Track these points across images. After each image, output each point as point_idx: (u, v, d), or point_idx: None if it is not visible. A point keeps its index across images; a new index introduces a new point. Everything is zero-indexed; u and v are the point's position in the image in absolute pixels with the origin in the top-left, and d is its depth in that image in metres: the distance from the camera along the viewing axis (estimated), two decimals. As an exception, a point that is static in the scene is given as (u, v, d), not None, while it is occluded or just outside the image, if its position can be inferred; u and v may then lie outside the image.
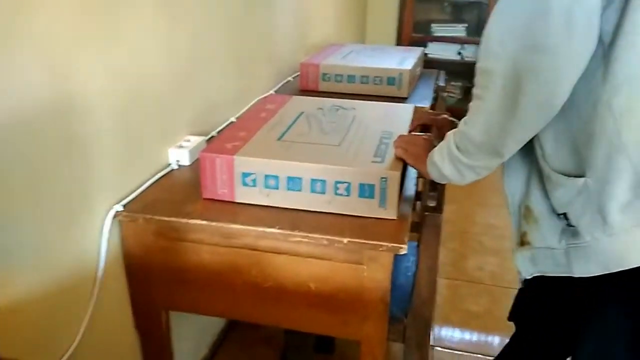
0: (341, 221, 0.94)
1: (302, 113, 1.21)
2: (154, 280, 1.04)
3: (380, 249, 0.88)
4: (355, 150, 1.01)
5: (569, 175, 0.80)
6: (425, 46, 3.41)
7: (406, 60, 1.86)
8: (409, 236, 0.92)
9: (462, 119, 0.86)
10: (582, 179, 0.78)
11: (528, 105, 0.74)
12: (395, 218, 0.94)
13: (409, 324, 1.07)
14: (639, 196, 0.74)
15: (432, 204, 0.98)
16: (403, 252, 0.87)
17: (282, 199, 0.97)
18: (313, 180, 0.95)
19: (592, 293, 0.86)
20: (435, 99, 1.97)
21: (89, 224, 0.94)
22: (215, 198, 1.01)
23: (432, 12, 3.73)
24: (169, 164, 1.18)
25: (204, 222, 0.95)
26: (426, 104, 1.81)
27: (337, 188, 0.94)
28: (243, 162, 0.97)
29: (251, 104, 1.64)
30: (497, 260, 2.15)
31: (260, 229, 0.93)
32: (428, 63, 2.36)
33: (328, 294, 0.95)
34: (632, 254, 0.77)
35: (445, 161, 0.90)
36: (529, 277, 0.93)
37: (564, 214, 0.82)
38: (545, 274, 0.90)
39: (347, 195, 0.94)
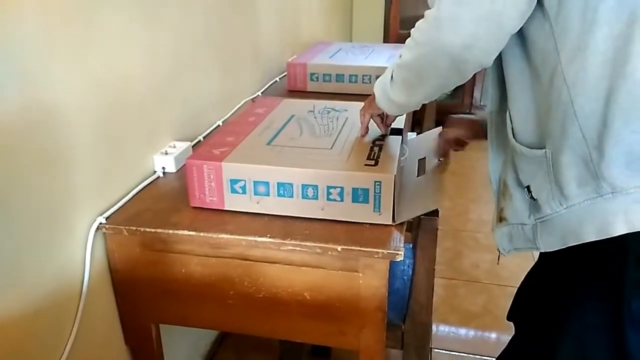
0: (335, 228, 0.91)
1: (292, 116, 1.17)
2: (142, 294, 1.00)
3: (376, 255, 0.85)
4: (348, 154, 0.97)
5: (532, 148, 0.81)
6: (412, 42, 3.38)
7: (395, 57, 1.83)
8: (404, 239, 0.89)
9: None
10: (542, 150, 0.79)
11: None
12: (391, 223, 0.90)
13: (408, 330, 1.04)
14: (590, 169, 0.75)
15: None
16: (399, 258, 0.83)
17: (273, 205, 0.94)
18: (304, 186, 0.91)
19: (571, 288, 0.87)
20: (425, 96, 1.94)
21: (71, 238, 0.90)
22: (204, 206, 0.97)
23: (419, 8, 3.69)
24: (154, 172, 1.14)
25: (192, 233, 0.91)
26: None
27: (329, 193, 0.91)
28: (231, 169, 0.93)
29: (238, 106, 1.60)
30: (493, 258, 2.13)
31: (251, 238, 0.89)
32: (417, 59, 2.32)
33: (323, 303, 0.92)
34: (586, 228, 0.77)
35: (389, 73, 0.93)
36: (507, 254, 0.95)
37: (528, 187, 0.84)
38: (519, 251, 0.92)
39: (340, 201, 0.91)
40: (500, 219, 0.94)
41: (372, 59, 1.81)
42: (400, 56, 0.88)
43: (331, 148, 1.00)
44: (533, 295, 1.05)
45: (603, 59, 0.71)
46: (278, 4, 1.99)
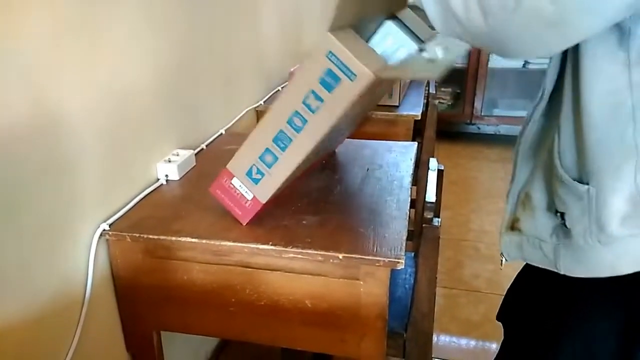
0: (336, 235, 0.91)
1: None
2: (144, 301, 1.01)
3: (377, 264, 0.85)
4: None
5: (573, 179, 0.76)
6: (414, 53, 3.41)
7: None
8: (405, 248, 0.90)
9: None
10: (585, 186, 0.74)
11: None
12: (373, 75, 0.81)
13: (409, 339, 1.04)
14: (637, 206, 0.72)
15: (429, 215, 0.96)
16: (400, 266, 0.84)
17: (289, 161, 0.91)
18: (289, 121, 0.88)
19: (582, 293, 0.85)
20: (426, 106, 1.96)
21: (75, 244, 0.91)
22: (252, 216, 0.95)
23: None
24: (158, 179, 1.15)
25: (194, 240, 0.92)
26: (417, 112, 1.80)
27: (309, 106, 0.87)
28: (237, 164, 0.93)
29: (240, 115, 1.61)
30: (494, 267, 2.13)
31: (254, 245, 0.90)
32: (418, 70, 2.34)
33: (325, 311, 0.92)
34: (623, 262, 0.75)
35: None
36: (510, 261, 0.91)
37: (562, 214, 0.79)
38: (528, 262, 0.88)
39: (322, 101, 0.86)
40: (513, 227, 0.89)
41: (374, 69, 1.82)
42: None
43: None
44: (528, 295, 1.05)
45: None
46: (281, 15, 2.01)
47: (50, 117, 0.82)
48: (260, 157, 0.91)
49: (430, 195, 1.03)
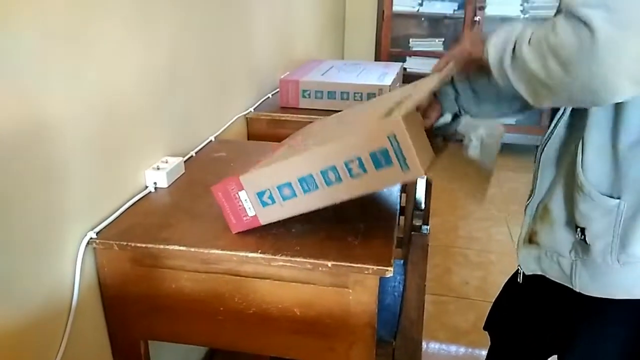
0: (325, 244, 0.91)
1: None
2: (132, 310, 1.00)
3: (366, 272, 0.85)
4: (353, 125, 0.92)
5: (602, 193, 0.75)
6: (403, 61, 3.43)
7: (386, 75, 1.86)
8: (394, 255, 0.90)
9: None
10: (616, 201, 0.74)
11: None
12: (423, 173, 0.81)
13: (399, 346, 1.04)
14: None
15: (418, 222, 0.96)
16: (389, 274, 0.84)
17: (304, 205, 0.89)
18: (323, 172, 0.86)
19: (589, 305, 0.85)
20: (416, 114, 1.97)
21: (61, 252, 0.90)
22: (244, 229, 0.94)
23: (410, 27, 3.77)
24: (146, 187, 1.15)
25: (182, 248, 0.91)
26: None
27: (350, 170, 0.84)
28: (251, 181, 0.91)
29: (230, 122, 1.61)
30: (482, 274, 2.14)
31: (242, 253, 0.89)
32: (407, 78, 2.35)
33: (313, 319, 0.92)
34: None
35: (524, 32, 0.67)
36: (529, 274, 0.91)
37: (582, 229, 0.78)
38: (546, 275, 0.87)
39: (364, 171, 0.83)
40: (531, 240, 0.89)
41: (364, 77, 1.83)
42: (529, 42, 0.66)
43: (337, 125, 0.96)
44: (515, 303, 1.06)
45: None
46: (272, 22, 2.01)
47: (37, 122, 0.81)
48: (278, 187, 0.89)
49: (420, 203, 1.03)
